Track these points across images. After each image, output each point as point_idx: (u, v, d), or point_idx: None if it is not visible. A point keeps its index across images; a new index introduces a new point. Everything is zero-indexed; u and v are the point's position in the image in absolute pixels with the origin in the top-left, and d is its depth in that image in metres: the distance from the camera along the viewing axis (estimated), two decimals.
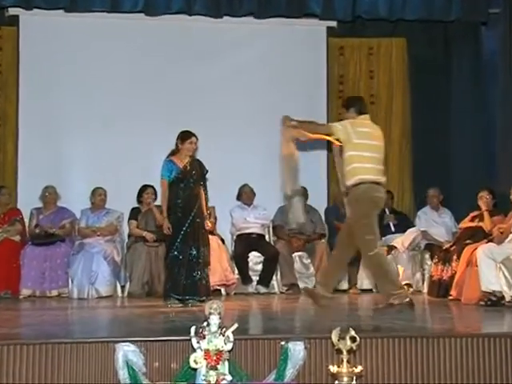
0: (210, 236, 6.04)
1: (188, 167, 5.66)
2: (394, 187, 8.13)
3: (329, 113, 8.14)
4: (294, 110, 7.48)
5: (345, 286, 7.25)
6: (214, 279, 6.40)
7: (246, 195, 7.48)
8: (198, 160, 5.81)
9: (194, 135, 5.65)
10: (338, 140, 5.04)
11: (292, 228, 7.07)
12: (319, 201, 7.85)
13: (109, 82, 7.71)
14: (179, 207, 5.57)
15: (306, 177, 7.32)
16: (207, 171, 5.83)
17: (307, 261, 7.39)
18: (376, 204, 4.97)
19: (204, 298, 5.49)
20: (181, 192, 5.59)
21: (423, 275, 7.22)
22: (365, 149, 4.91)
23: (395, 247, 7.16)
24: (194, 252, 5.57)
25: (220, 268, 6.72)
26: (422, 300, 6.35)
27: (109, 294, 6.81)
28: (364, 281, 7.25)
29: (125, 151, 7.65)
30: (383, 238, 7.36)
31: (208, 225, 5.83)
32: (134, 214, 7.22)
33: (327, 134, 5.09)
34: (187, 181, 5.63)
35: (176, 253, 5.55)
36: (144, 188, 7.24)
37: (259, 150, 7.69)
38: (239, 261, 7.11)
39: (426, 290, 7.00)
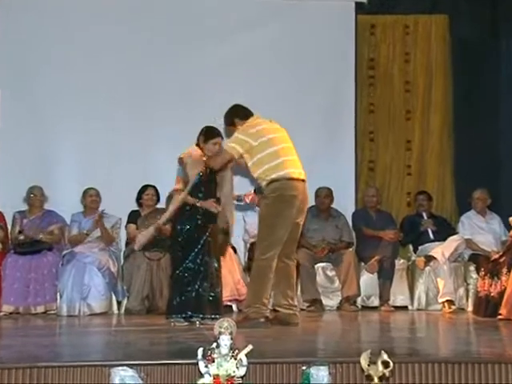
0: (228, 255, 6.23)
1: (209, 169, 5.69)
2: (433, 187, 8.22)
3: (357, 102, 8.21)
4: (316, 98, 7.95)
5: (376, 302, 7.30)
6: (225, 294, 6.43)
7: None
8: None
9: (219, 135, 5.68)
10: (242, 156, 5.37)
11: (312, 236, 7.25)
12: (346, 204, 7.88)
13: (103, 68, 7.74)
14: (198, 213, 5.62)
15: (331, 176, 7.74)
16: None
17: (332, 273, 7.40)
18: (289, 204, 5.24)
19: (217, 315, 5.53)
20: (201, 196, 5.64)
21: (467, 291, 7.24)
22: (269, 145, 5.29)
23: (434, 258, 7.17)
24: (216, 264, 5.68)
25: (231, 281, 6.77)
26: (465, 319, 6.37)
27: (103, 310, 6.83)
28: (398, 296, 7.32)
29: (122, 146, 7.72)
30: (420, 247, 7.48)
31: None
32: (133, 217, 7.28)
33: (230, 160, 5.43)
34: (209, 184, 5.69)
35: (191, 264, 5.60)
36: (144, 188, 7.32)
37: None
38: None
39: (470, 307, 7.03)
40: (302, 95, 7.92)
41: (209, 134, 5.67)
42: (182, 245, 5.65)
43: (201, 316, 5.58)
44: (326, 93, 7.97)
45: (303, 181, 5.41)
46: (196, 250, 5.61)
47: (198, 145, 5.71)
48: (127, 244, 7.30)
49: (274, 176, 5.27)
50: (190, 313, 5.59)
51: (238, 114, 5.51)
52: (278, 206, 5.27)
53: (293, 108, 7.79)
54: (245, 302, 5.73)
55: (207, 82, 7.79)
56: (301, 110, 7.87)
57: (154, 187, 7.31)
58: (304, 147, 7.49)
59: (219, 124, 5.61)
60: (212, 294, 5.63)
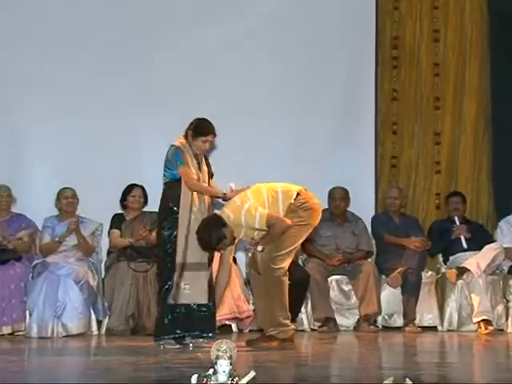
0: (217, 253, 6.13)
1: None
2: (466, 188, 8.22)
3: (378, 88, 8.19)
4: (330, 84, 8.02)
5: (399, 321, 7.31)
6: (223, 311, 6.47)
7: None
8: (206, 158, 5.96)
9: (211, 132, 5.75)
10: None
11: (324, 244, 7.32)
12: (364, 207, 7.90)
13: (80, 48, 7.76)
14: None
15: (346, 175, 7.76)
16: (213, 175, 5.97)
17: (347, 287, 7.41)
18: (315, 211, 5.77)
19: (210, 333, 5.62)
20: None
21: (507, 308, 7.24)
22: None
23: (468, 270, 7.15)
24: (208, 275, 5.76)
25: (230, 296, 6.77)
26: (505, 342, 6.35)
27: (81, 330, 6.81)
28: (425, 315, 7.34)
29: (104, 141, 7.73)
30: (451, 258, 7.51)
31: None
32: (117, 222, 7.31)
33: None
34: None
35: None
36: (130, 189, 7.34)
37: (286, 138, 7.83)
38: None
39: (510, 328, 7.07)
40: (313, 79, 7.96)
41: (198, 129, 5.73)
42: (170, 254, 5.67)
43: (193, 334, 5.64)
44: (342, 77, 8.01)
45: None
46: None
47: (185, 137, 5.77)
48: (109, 253, 7.28)
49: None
50: (181, 332, 5.64)
51: None
52: (302, 214, 5.61)
53: (303, 94, 7.89)
54: (259, 321, 5.93)
55: (202, 66, 7.84)
56: (312, 96, 7.97)
57: (141, 187, 7.31)
58: (315, 141, 7.91)
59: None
60: (204, 310, 5.68)
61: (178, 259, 5.62)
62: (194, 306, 5.66)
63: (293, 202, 5.65)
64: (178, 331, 5.64)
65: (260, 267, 5.66)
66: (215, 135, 5.77)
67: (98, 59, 7.75)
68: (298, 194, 5.69)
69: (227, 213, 5.60)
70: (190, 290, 5.63)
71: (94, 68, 7.75)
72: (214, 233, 5.52)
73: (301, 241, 5.74)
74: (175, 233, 5.65)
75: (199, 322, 5.66)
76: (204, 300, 5.68)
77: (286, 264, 5.65)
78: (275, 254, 5.61)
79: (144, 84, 7.82)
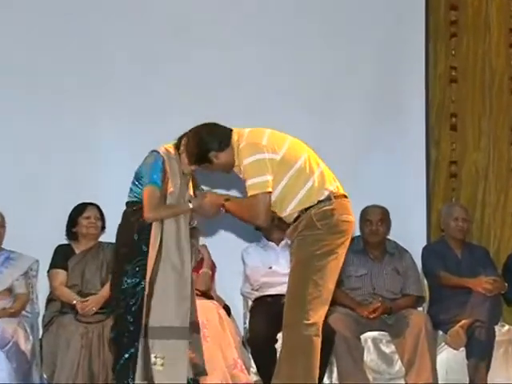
0: (204, 300, 6.47)
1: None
2: None
3: (429, 65, 8.24)
4: (364, 60, 8.17)
5: None
6: (213, 379, 6.48)
7: (273, 224, 7.32)
8: (195, 180, 6.13)
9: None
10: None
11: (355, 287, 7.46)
12: (411, 233, 8.01)
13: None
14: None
15: (386, 188, 7.96)
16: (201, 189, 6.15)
17: (389, 348, 7.39)
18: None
19: None
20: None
21: None
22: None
23: None
24: None
25: (222, 361, 6.84)
26: None
27: None
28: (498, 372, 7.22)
29: (45, 143, 7.82)
30: None
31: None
32: (61, 257, 7.30)
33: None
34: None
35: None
36: (81, 209, 7.38)
37: (304, 132, 7.62)
38: (259, 347, 7.11)
39: None
40: (338, 54, 8.09)
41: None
42: (134, 313, 5.67)
43: None
44: (377, 52, 8.12)
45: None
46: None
47: (177, 147, 5.84)
48: (49, 302, 7.23)
49: (320, 198, 5.64)
50: None
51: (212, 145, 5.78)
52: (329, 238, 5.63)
53: (325, 76, 8.06)
54: None
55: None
56: (337, 80, 8.10)
57: (96, 207, 7.35)
58: (341, 143, 8.05)
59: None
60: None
61: (147, 321, 5.63)
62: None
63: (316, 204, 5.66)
64: None
65: (285, 319, 5.60)
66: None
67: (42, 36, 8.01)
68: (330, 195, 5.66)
69: (240, 138, 5.70)
70: (166, 367, 5.57)
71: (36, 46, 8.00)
72: (212, 136, 5.65)
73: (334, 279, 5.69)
74: (143, 282, 5.67)
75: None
76: (184, 380, 5.68)
77: (319, 317, 5.56)
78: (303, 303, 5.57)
79: (105, 74, 8.02)
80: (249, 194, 5.59)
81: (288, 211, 5.66)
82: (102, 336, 6.82)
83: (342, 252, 5.64)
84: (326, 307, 5.61)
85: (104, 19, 8.09)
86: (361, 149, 8.04)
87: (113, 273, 5.93)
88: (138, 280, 5.65)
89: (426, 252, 7.73)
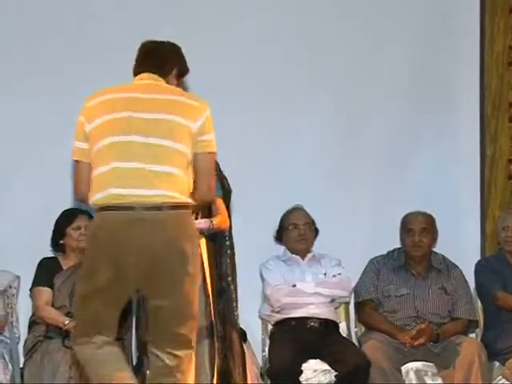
0: None
1: None
2: None
3: (484, 44, 7.82)
4: (404, 42, 7.94)
5: None
6: None
7: (296, 232, 7.35)
8: None
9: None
10: None
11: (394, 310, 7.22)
12: (462, 245, 7.76)
13: None
14: None
15: (432, 192, 7.76)
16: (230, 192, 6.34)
17: (436, 381, 7.00)
18: None
19: None
20: None
21: None
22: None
23: None
24: None
25: None
26: None
27: None
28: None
29: (23, 143, 7.59)
30: None
31: None
32: (46, 272, 7.04)
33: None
34: None
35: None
36: (71, 217, 7.10)
37: (331, 133, 7.72)
38: (281, 380, 6.84)
39: None
40: (372, 35, 7.82)
41: None
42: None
43: None
44: (422, 31, 7.74)
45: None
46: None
47: None
48: (32, 325, 6.92)
49: None
50: None
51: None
52: None
53: (354, 59, 7.78)
54: None
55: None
56: (368, 64, 7.81)
57: (87, 214, 6.94)
58: (376, 138, 7.89)
59: None
60: None
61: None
62: None
63: None
64: None
65: None
66: None
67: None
68: None
69: None
70: None
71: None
72: None
73: None
74: None
75: None
76: None
77: None
78: None
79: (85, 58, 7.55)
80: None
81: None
82: None
83: None
84: None
85: None
86: (401, 147, 7.75)
87: None
88: None
89: (479, 268, 7.38)
